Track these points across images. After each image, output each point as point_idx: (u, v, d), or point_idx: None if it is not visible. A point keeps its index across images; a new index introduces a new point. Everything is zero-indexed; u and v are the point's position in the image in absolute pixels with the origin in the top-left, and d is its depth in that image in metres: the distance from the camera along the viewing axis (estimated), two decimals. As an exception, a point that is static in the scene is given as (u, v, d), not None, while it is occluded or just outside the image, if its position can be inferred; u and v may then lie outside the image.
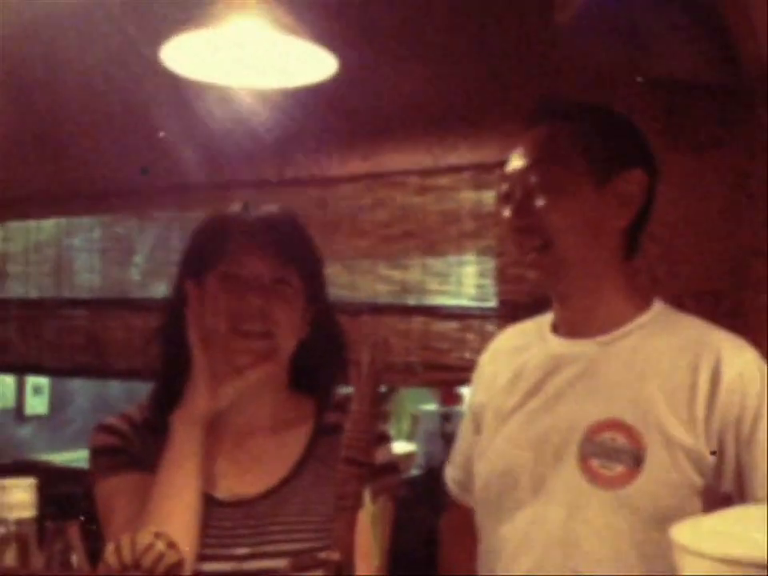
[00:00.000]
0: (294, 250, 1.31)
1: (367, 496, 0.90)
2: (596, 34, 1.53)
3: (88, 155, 2.69)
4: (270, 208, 1.35)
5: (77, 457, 3.11)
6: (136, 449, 1.31)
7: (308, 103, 2.06)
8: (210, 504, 1.25)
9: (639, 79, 1.84)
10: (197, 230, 1.36)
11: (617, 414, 1.29)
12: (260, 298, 1.26)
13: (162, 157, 2.57)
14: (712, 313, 1.44)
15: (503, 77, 2.10)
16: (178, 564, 0.84)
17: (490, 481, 1.39)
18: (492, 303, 2.19)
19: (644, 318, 1.36)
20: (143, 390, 1.43)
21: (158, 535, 0.84)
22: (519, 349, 1.46)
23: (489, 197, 2.15)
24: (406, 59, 1.95)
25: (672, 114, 1.92)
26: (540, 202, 1.31)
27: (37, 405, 3.78)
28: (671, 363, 1.30)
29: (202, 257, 1.32)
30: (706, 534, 0.70)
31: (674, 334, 1.34)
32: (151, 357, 1.36)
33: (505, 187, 1.38)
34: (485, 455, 1.41)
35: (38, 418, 3.78)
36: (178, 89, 1.91)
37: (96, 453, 1.33)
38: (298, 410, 1.36)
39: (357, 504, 0.84)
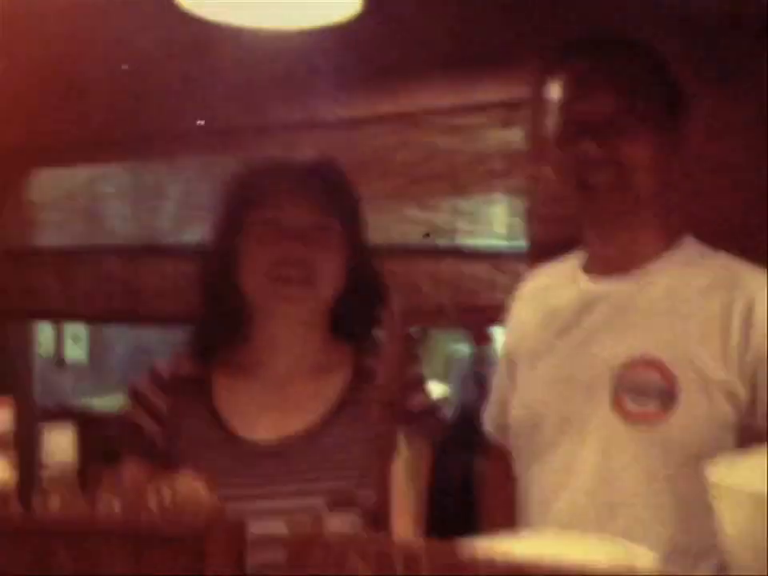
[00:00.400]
0: (335, 198, 1.33)
1: (402, 441, 0.91)
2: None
3: (115, 101, 2.68)
4: (310, 155, 1.39)
5: (116, 402, 3.16)
6: (159, 424, 1.33)
7: (332, 44, 2.03)
8: (251, 447, 1.28)
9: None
10: (237, 176, 1.37)
11: (650, 351, 1.29)
12: (301, 244, 1.27)
13: (189, 101, 2.55)
14: (746, 248, 1.42)
15: (529, 13, 2.05)
16: (218, 508, 0.85)
17: (523, 422, 1.40)
18: (522, 243, 2.17)
19: (676, 254, 1.36)
20: (178, 335, 1.44)
21: (197, 479, 0.85)
22: (550, 290, 1.46)
23: (517, 135, 2.12)
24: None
25: (694, 48, 1.87)
26: (625, 136, 1.30)
27: (76, 352, 3.85)
28: (704, 300, 1.30)
29: (244, 202, 1.32)
30: (741, 472, 0.70)
31: (706, 270, 1.34)
32: (184, 302, 1.37)
33: (562, 116, 1.34)
34: (519, 397, 1.42)
35: (77, 365, 3.85)
36: (202, 30, 1.89)
37: (122, 425, 1.36)
38: (337, 355, 1.38)
39: (392, 447, 0.85)
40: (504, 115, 2.17)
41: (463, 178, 2.26)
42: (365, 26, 1.75)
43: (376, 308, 1.35)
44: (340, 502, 0.90)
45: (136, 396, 1.36)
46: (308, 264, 1.29)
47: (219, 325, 1.35)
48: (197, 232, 2.88)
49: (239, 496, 1.23)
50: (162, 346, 3.45)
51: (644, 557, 0.74)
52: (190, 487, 0.86)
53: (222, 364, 1.37)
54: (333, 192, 1.33)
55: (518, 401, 1.42)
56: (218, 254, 1.34)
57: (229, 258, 1.33)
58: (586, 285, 1.39)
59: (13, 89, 2.57)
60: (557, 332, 1.39)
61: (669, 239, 1.37)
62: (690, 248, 1.37)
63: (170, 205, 2.93)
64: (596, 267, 1.40)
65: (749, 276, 1.31)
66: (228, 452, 1.29)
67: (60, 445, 1.02)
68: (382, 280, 1.39)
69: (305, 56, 2.18)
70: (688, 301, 1.31)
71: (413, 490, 0.91)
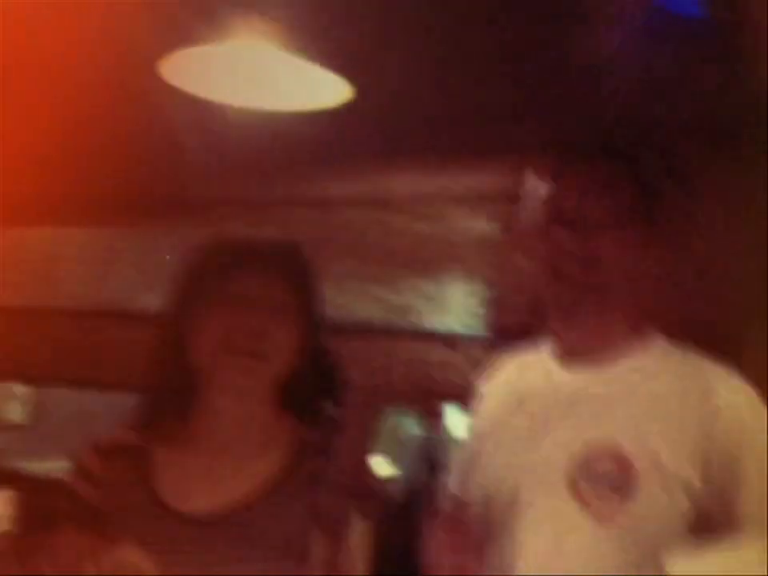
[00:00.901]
0: (294, 275, 1.35)
1: (356, 520, 0.89)
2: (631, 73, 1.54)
3: (83, 165, 2.67)
4: (275, 235, 1.43)
5: (56, 466, 3.07)
6: (96, 489, 1.30)
7: (312, 126, 2.05)
8: (181, 517, 1.26)
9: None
10: (199, 248, 1.38)
11: (611, 442, 1.30)
12: (255, 316, 1.28)
13: (160, 169, 2.56)
14: (708, 341, 1.44)
15: (510, 108, 2.08)
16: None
17: (486, 502, 1.39)
18: (480, 327, 2.19)
19: (644, 349, 1.39)
20: (124, 401, 1.42)
21: (136, 551, 0.82)
22: (520, 377, 1.48)
23: (485, 225, 2.16)
24: (415, 85, 1.93)
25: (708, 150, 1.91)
26: (603, 233, 1.33)
27: (16, 413, 3.74)
28: (668, 395, 1.33)
29: (202, 274, 1.34)
30: (699, 567, 0.70)
31: (673, 366, 1.37)
32: (133, 368, 1.35)
33: (549, 211, 1.38)
34: (477, 478, 1.42)
35: (16, 426, 3.74)
36: (183, 103, 1.90)
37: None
38: (282, 429, 1.37)
39: (347, 527, 0.83)
40: (473, 204, 2.21)
41: (427, 261, 2.28)
42: (344, 111, 1.76)
43: (326, 384, 1.39)
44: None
45: (75, 462, 1.35)
46: (261, 336, 1.29)
47: (166, 396, 1.35)
48: (152, 299, 2.85)
49: (169, 563, 1.18)
50: (108, 410, 3.37)
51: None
52: (129, 559, 0.83)
53: (164, 435, 1.36)
54: (292, 270, 1.36)
55: (476, 482, 1.42)
56: (171, 324, 1.34)
57: (182, 328, 1.33)
58: (555, 373, 1.42)
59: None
60: (522, 417, 1.40)
61: (637, 334, 1.40)
62: (657, 344, 1.40)
63: (126, 270, 2.90)
64: (564, 355, 1.43)
65: (714, 374, 1.34)
66: (157, 521, 1.26)
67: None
68: (334, 358, 1.42)
69: (283, 137, 2.20)
70: (652, 395, 1.33)
71: (363, 568, 0.89)
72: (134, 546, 0.87)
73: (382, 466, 3.38)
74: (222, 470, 1.32)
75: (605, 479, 1.28)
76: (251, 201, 2.53)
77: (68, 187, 2.73)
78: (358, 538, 0.90)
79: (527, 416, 1.40)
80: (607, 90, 1.62)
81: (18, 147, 2.60)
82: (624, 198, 1.36)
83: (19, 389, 3.69)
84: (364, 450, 1.32)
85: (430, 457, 3.13)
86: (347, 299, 2.39)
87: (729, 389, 1.32)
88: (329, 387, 1.39)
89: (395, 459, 3.48)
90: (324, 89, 1.53)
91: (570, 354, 1.41)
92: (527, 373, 1.47)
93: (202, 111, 1.94)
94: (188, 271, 1.37)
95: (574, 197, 1.37)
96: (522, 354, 1.53)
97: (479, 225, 2.20)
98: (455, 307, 2.28)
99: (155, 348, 1.36)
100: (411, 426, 3.48)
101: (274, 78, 1.51)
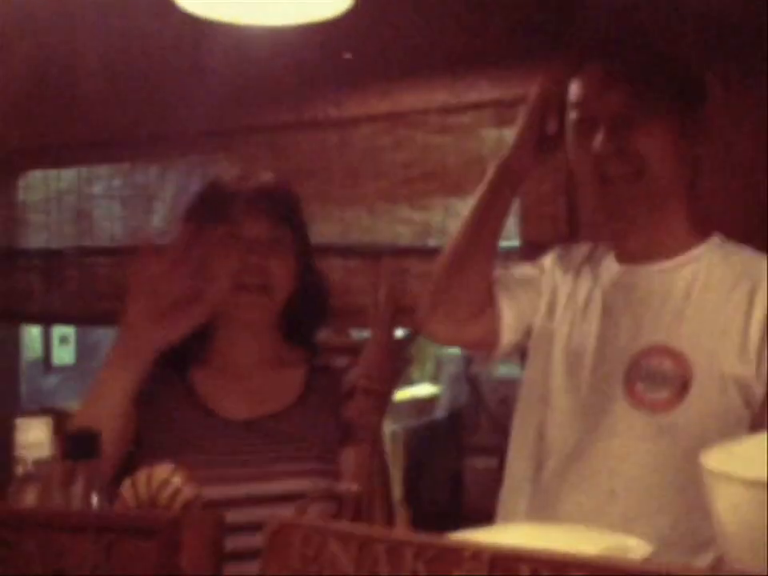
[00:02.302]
0: (288, 214, 1.49)
1: (387, 427, 0.89)
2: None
3: (105, 102, 2.66)
4: (265, 176, 1.54)
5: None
6: None
7: (324, 41, 2.01)
8: (219, 423, 1.40)
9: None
10: (199, 194, 1.50)
11: (666, 340, 1.30)
12: (260, 255, 1.42)
13: (179, 101, 2.53)
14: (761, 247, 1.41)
15: (524, 12, 2.04)
16: (195, 499, 0.83)
17: (533, 388, 1.40)
18: (515, 242, 2.15)
19: (702, 249, 1.37)
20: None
21: (173, 471, 0.83)
22: (585, 270, 1.45)
23: (511, 134, 2.10)
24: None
25: (706, 50, 1.86)
26: (636, 127, 1.31)
27: (64, 355, 3.81)
28: (727, 294, 1.31)
29: (205, 218, 1.44)
30: (735, 458, 0.68)
31: (730, 266, 1.34)
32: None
33: (578, 114, 1.35)
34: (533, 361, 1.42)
35: (64, 367, 3.81)
36: (194, 30, 1.88)
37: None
38: (291, 353, 1.52)
39: (377, 435, 0.83)
40: (497, 114, 2.15)
41: (456, 178, 2.24)
42: (356, 25, 1.73)
43: (321, 310, 1.52)
44: (323, 496, 0.88)
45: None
46: (266, 272, 1.42)
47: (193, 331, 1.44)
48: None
49: (211, 463, 1.33)
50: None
51: (637, 548, 0.72)
52: (166, 479, 0.84)
53: (196, 361, 1.49)
54: (285, 208, 1.49)
55: (534, 365, 1.42)
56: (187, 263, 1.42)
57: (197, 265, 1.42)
58: (614, 270, 1.40)
59: (3, 90, 2.55)
60: (579, 310, 1.39)
61: (694, 235, 1.38)
62: (716, 243, 1.38)
63: (159, 206, 2.91)
64: (622, 258, 1.41)
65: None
66: (204, 426, 1.41)
67: (36, 439, 0.99)
68: (327, 285, 1.55)
69: (297, 56, 2.16)
70: (711, 295, 1.32)
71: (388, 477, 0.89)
72: (174, 466, 0.89)
73: (422, 386, 3.40)
74: (247, 387, 1.46)
75: (659, 376, 1.28)
76: (261, 126, 2.50)
77: (93, 125, 2.73)
78: (388, 443, 0.91)
79: (581, 308, 1.39)
80: None
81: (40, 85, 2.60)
82: (650, 89, 1.32)
83: (64, 329, 3.75)
84: (390, 364, 1.35)
85: (471, 376, 3.13)
86: (375, 221, 2.37)
87: None
88: (323, 314, 1.52)
89: (437, 381, 3.50)
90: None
91: (628, 256, 1.40)
92: (594, 265, 1.44)
93: (208, 35, 1.91)
94: (190, 217, 1.47)
95: (600, 94, 1.33)
96: (592, 249, 1.49)
97: (505, 135, 2.14)
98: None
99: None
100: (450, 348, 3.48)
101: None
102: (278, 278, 1.44)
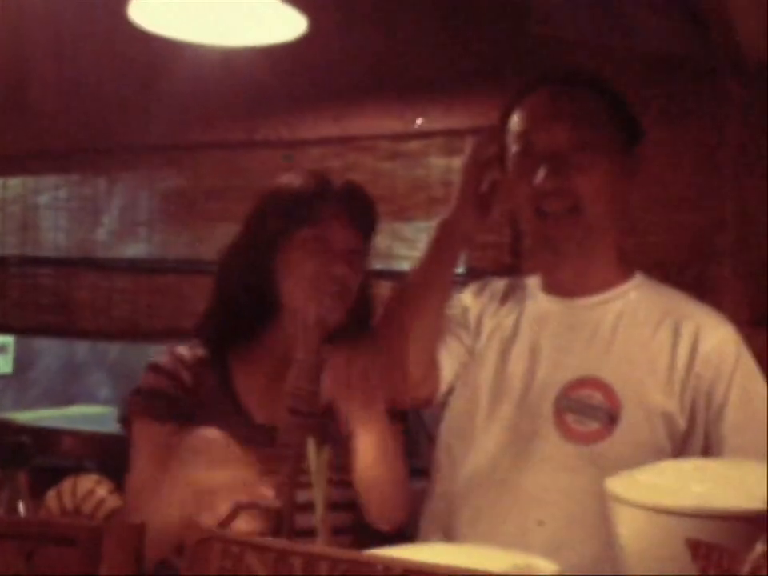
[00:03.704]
0: (368, 223, 1.45)
1: (311, 446, 0.90)
2: (573, 8, 1.53)
3: (55, 113, 2.64)
4: (344, 178, 1.48)
5: (39, 416, 3.08)
6: (182, 391, 1.39)
7: (278, 63, 2.03)
8: (255, 428, 1.35)
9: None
10: (280, 190, 1.45)
11: (596, 372, 1.31)
12: (344, 264, 1.39)
13: (129, 116, 2.53)
14: (675, 283, 1.46)
15: (476, 45, 2.08)
16: (119, 509, 0.83)
17: (462, 416, 1.40)
18: (460, 269, 2.18)
19: (629, 285, 1.39)
20: (109, 349, 1.44)
21: (98, 482, 0.83)
22: (505, 301, 1.46)
23: (458, 163, 2.13)
24: (379, 22, 1.92)
25: (644, 86, 1.92)
26: (577, 167, 1.31)
27: (1, 364, 3.74)
28: (653, 330, 1.33)
29: (289, 215, 1.41)
30: (639, 485, 0.70)
31: (655, 303, 1.37)
32: (116, 317, 1.36)
33: (520, 146, 1.35)
34: (461, 391, 1.42)
35: (2, 377, 3.75)
36: (148, 46, 1.88)
37: (139, 393, 1.38)
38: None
39: (300, 454, 0.85)
40: (446, 143, 2.19)
41: (404, 204, 2.28)
42: (311, 48, 1.75)
43: (366, 324, 1.46)
44: (246, 509, 0.89)
45: (158, 370, 1.41)
46: (344, 282, 1.40)
47: (239, 316, 1.44)
48: (132, 247, 2.85)
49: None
50: (91, 359, 3.38)
51: (544, 568, 0.74)
52: (91, 488, 0.84)
53: (237, 352, 1.45)
54: (370, 218, 1.46)
55: (461, 394, 1.41)
56: (259, 254, 1.42)
57: (270, 260, 1.42)
58: (541, 301, 1.41)
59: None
60: (506, 342, 1.40)
61: (622, 271, 1.40)
62: (640, 281, 1.40)
63: (106, 219, 2.89)
64: (553, 288, 1.42)
65: (696, 312, 1.35)
66: (238, 427, 1.30)
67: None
68: (373, 301, 1.51)
69: (250, 77, 2.17)
70: (638, 330, 1.34)
71: (320, 497, 0.91)
72: (99, 477, 0.89)
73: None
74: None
75: (589, 407, 1.29)
76: (213, 143, 2.51)
77: (44, 135, 2.71)
78: (319, 466, 0.93)
79: (508, 340, 1.39)
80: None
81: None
82: (592, 127, 1.33)
83: (4, 339, 3.69)
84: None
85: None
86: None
87: (709, 325, 1.32)
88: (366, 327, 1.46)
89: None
90: (282, 23, 1.52)
91: (557, 288, 1.41)
92: (511, 296, 1.45)
93: (163, 53, 1.92)
94: (271, 212, 1.43)
95: (542, 128, 1.34)
96: (500, 281, 1.50)
97: (453, 163, 2.18)
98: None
99: (235, 273, 1.44)
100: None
101: (229, 13, 1.50)
102: (352, 289, 1.41)
